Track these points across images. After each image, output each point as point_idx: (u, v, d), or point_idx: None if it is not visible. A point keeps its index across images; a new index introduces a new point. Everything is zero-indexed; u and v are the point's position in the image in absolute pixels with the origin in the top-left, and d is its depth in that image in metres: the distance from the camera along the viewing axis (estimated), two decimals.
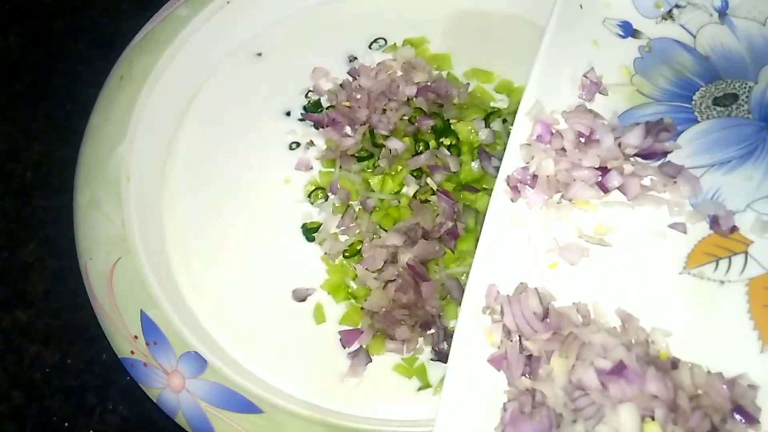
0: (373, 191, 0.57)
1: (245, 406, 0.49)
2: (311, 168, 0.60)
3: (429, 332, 0.53)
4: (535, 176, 0.49)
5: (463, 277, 0.54)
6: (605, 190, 0.48)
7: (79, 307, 0.59)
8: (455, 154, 0.58)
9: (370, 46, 0.65)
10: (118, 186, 0.56)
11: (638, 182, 0.48)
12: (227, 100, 0.63)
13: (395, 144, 0.58)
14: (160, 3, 0.63)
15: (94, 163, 0.57)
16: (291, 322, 0.55)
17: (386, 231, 0.55)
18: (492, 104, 0.61)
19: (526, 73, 0.60)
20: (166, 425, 0.52)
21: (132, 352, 0.51)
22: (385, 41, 0.65)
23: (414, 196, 0.57)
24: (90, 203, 0.55)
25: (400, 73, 0.62)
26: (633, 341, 0.44)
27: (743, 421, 0.41)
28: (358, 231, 0.56)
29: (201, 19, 0.62)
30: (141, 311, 0.52)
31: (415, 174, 0.57)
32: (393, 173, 0.58)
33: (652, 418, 0.41)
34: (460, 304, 0.53)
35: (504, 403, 0.44)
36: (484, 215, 0.55)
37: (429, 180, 0.57)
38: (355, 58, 0.64)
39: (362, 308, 0.53)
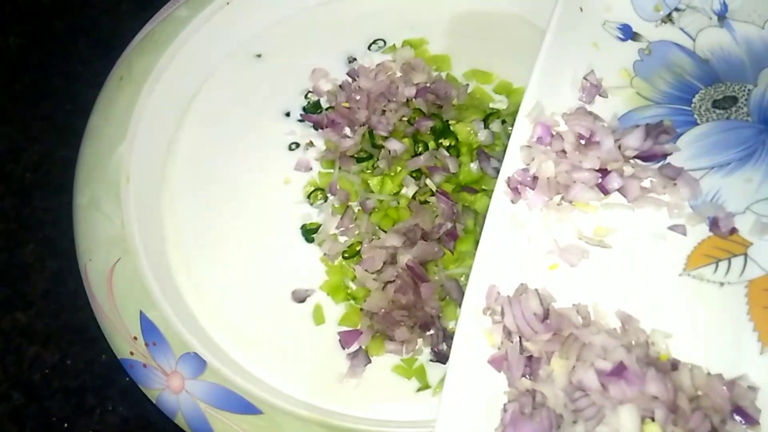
0: (373, 192, 0.57)
1: (245, 407, 0.49)
2: (311, 169, 0.60)
3: (428, 333, 0.53)
4: (535, 178, 0.49)
5: (462, 278, 0.54)
6: (605, 192, 0.48)
7: (79, 308, 0.59)
8: (454, 155, 0.58)
9: (369, 47, 0.65)
10: (118, 187, 0.56)
11: (638, 184, 0.48)
12: (227, 100, 0.63)
13: (394, 145, 0.58)
14: (160, 3, 0.63)
15: (94, 164, 0.57)
16: (290, 323, 0.55)
17: (385, 232, 0.55)
18: (491, 105, 0.61)
19: (526, 74, 0.60)
20: (165, 426, 0.52)
21: (131, 353, 0.51)
22: (385, 42, 0.65)
23: (413, 197, 0.57)
24: (90, 204, 0.55)
25: (399, 74, 0.62)
26: (633, 342, 0.44)
27: (743, 422, 0.41)
28: (357, 232, 0.56)
29: (201, 19, 0.62)
30: (140, 312, 0.52)
31: (414, 175, 0.57)
32: (392, 174, 0.58)
33: (652, 419, 0.41)
34: (459, 305, 0.53)
35: (504, 404, 0.44)
36: (484, 216, 0.55)
37: (428, 181, 0.57)
38: (355, 59, 0.64)
39: (361, 309, 0.53)
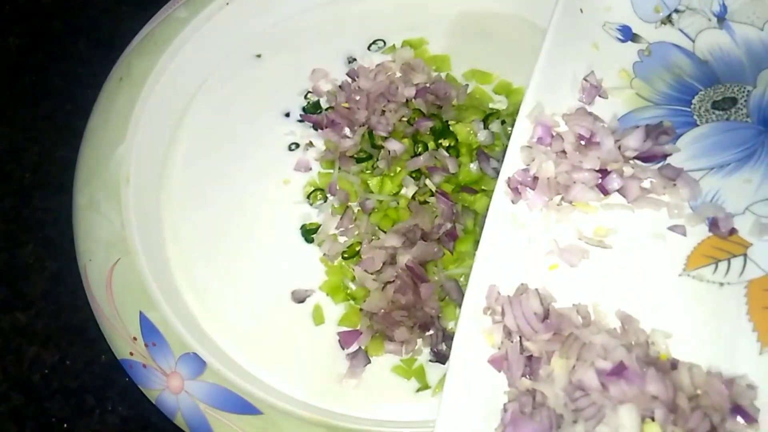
0: (372, 192, 0.57)
1: (244, 407, 0.49)
2: (310, 169, 0.60)
3: (428, 333, 0.53)
4: (535, 178, 0.49)
5: (461, 279, 0.54)
6: (605, 193, 0.48)
7: (79, 309, 0.59)
8: (454, 156, 0.58)
9: (369, 48, 0.65)
10: (118, 187, 0.56)
11: (638, 185, 0.48)
12: (226, 101, 0.63)
13: (394, 145, 0.58)
14: (160, 4, 0.63)
15: (94, 164, 0.57)
16: (290, 324, 0.55)
17: (385, 232, 0.55)
18: (491, 105, 0.61)
19: (525, 74, 0.60)
20: (165, 426, 0.52)
21: (131, 354, 0.51)
22: (384, 42, 0.65)
23: (413, 197, 0.57)
24: (89, 204, 0.55)
25: (399, 74, 0.62)
26: (633, 342, 0.44)
27: (742, 421, 0.41)
28: (357, 232, 0.56)
29: (200, 20, 0.62)
30: (140, 312, 0.52)
31: (413, 175, 0.57)
32: (392, 174, 0.58)
33: (652, 419, 0.41)
34: (459, 305, 0.53)
35: (504, 404, 0.44)
36: (483, 217, 0.55)
37: (428, 181, 0.57)
38: (354, 60, 0.64)
39: (361, 309, 0.53)
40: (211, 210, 0.59)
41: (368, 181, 0.57)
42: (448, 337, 0.52)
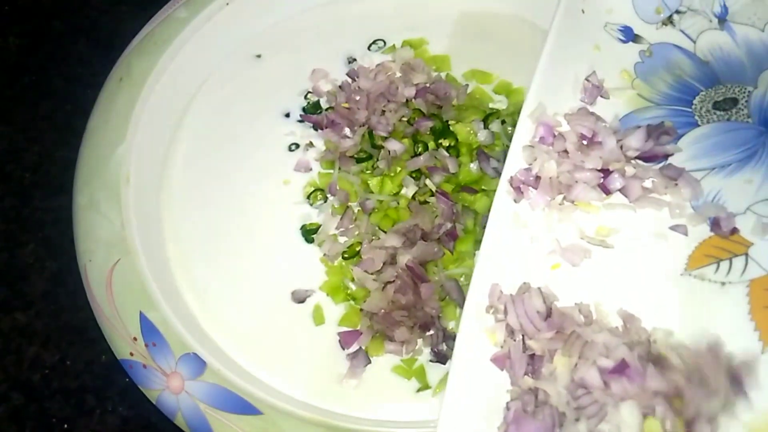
0: (372, 192, 0.57)
1: (244, 407, 0.49)
2: (310, 169, 0.60)
3: (428, 333, 0.53)
4: (537, 177, 0.49)
5: (462, 279, 0.54)
6: (607, 192, 0.48)
7: (79, 309, 0.59)
8: (454, 156, 0.58)
9: (369, 48, 0.65)
10: (118, 187, 0.56)
11: (640, 184, 0.48)
12: (226, 101, 0.63)
13: (394, 145, 0.58)
14: (160, 4, 0.63)
15: (94, 165, 0.57)
16: (290, 324, 0.55)
17: (385, 232, 0.55)
18: (491, 105, 0.61)
19: (525, 74, 0.60)
20: (165, 427, 0.52)
21: (131, 354, 0.51)
22: (384, 43, 0.65)
23: (413, 197, 0.57)
24: (89, 204, 0.55)
25: (399, 74, 0.62)
26: (635, 341, 0.44)
27: (737, 389, 0.42)
28: (357, 232, 0.56)
29: (200, 20, 0.62)
30: (140, 313, 0.52)
31: (414, 175, 0.57)
32: (392, 174, 0.58)
33: (654, 415, 0.41)
34: (459, 305, 0.53)
35: (507, 402, 0.44)
36: (484, 216, 0.56)
37: (428, 181, 0.57)
38: (354, 60, 0.64)
39: (361, 310, 0.53)
40: (211, 210, 0.59)
41: (368, 181, 0.57)
42: (448, 337, 0.52)
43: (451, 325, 0.53)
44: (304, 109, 0.62)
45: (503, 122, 0.58)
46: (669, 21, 0.55)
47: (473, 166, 0.57)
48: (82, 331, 0.62)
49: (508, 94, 0.62)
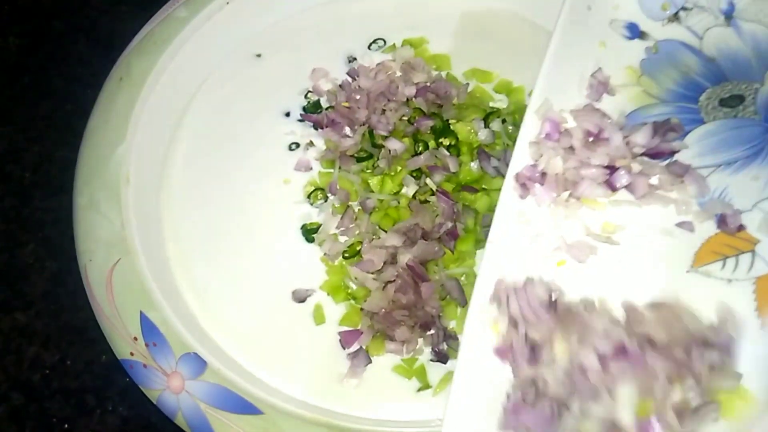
0: (373, 192, 0.57)
1: (245, 407, 0.49)
2: (311, 169, 0.60)
3: (429, 333, 0.53)
4: (543, 174, 0.49)
5: (462, 278, 0.54)
6: (613, 189, 0.48)
7: (79, 309, 0.59)
8: (454, 155, 0.58)
9: (369, 47, 0.65)
10: (118, 187, 0.56)
11: (646, 181, 0.48)
12: (226, 101, 0.63)
13: (394, 144, 0.58)
14: (160, 4, 0.63)
15: (94, 164, 0.57)
16: (290, 323, 0.55)
17: (386, 232, 0.55)
18: (491, 104, 0.61)
19: (526, 73, 0.60)
20: (165, 426, 0.52)
21: (131, 354, 0.51)
22: (385, 42, 0.65)
23: (413, 196, 0.57)
24: (89, 204, 0.55)
25: (399, 73, 0.62)
26: (636, 330, 0.44)
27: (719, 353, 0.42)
28: (357, 232, 0.56)
29: (200, 20, 0.62)
30: (140, 312, 0.52)
31: (414, 174, 0.57)
32: (392, 174, 0.58)
33: (650, 397, 0.42)
34: (460, 304, 0.53)
35: (507, 392, 0.44)
36: (484, 216, 0.56)
37: (428, 180, 0.57)
38: (355, 59, 0.64)
39: (362, 309, 0.53)
40: (211, 210, 0.59)
41: (369, 181, 0.57)
42: (449, 337, 0.52)
43: (451, 325, 0.53)
44: (304, 109, 0.62)
45: (504, 121, 0.58)
46: (675, 18, 0.54)
47: (474, 165, 0.57)
48: (82, 331, 0.62)
49: (508, 92, 0.62)
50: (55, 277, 0.65)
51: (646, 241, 0.48)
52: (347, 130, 0.60)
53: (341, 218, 0.56)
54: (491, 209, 0.55)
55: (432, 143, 0.58)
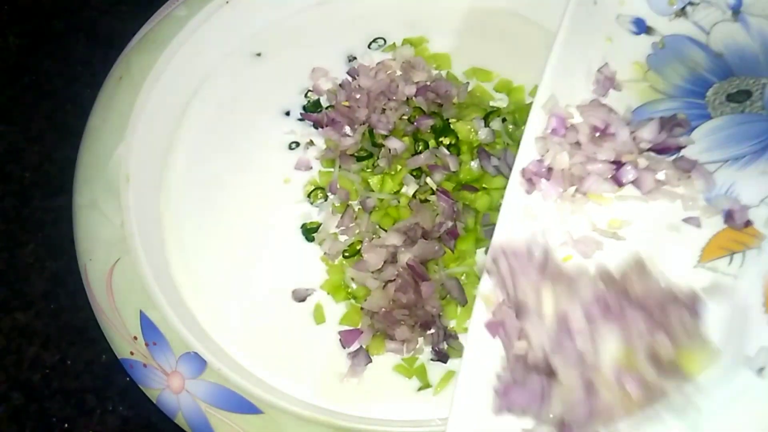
0: (373, 191, 0.57)
1: (245, 406, 0.49)
2: (311, 168, 0.60)
3: (429, 332, 0.53)
4: (549, 169, 0.49)
5: (463, 277, 0.54)
6: (620, 184, 0.48)
7: (79, 308, 0.59)
8: (455, 154, 0.57)
9: (369, 46, 0.65)
10: (118, 187, 0.56)
11: (652, 176, 0.48)
12: (226, 100, 0.63)
13: (395, 143, 0.58)
14: (159, 3, 0.63)
15: (94, 164, 0.57)
16: (291, 323, 0.55)
17: (386, 231, 0.55)
18: (491, 103, 0.61)
19: (526, 72, 0.60)
20: (165, 426, 0.52)
21: (131, 353, 0.51)
22: (385, 41, 0.65)
23: (413, 195, 0.57)
24: (89, 204, 0.55)
25: (399, 72, 0.62)
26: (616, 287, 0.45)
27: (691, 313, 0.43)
28: (357, 231, 0.56)
29: (200, 19, 0.62)
30: (140, 312, 0.52)
31: (414, 173, 0.57)
32: (392, 173, 0.58)
33: (633, 350, 0.42)
34: (460, 303, 0.53)
35: (497, 373, 0.44)
36: (484, 215, 0.55)
37: (428, 179, 0.57)
38: (355, 58, 0.64)
39: (362, 308, 0.53)
40: (211, 209, 0.59)
41: (369, 180, 0.57)
42: (449, 336, 0.52)
43: (451, 324, 0.53)
44: (304, 108, 0.62)
45: (504, 120, 0.58)
46: (682, 13, 0.54)
47: (474, 165, 0.57)
48: (82, 331, 0.61)
49: (508, 92, 0.61)
50: (55, 277, 0.64)
51: (652, 236, 0.47)
52: (347, 129, 0.60)
53: (341, 217, 0.56)
54: (491, 208, 0.55)
55: (432, 142, 0.58)
